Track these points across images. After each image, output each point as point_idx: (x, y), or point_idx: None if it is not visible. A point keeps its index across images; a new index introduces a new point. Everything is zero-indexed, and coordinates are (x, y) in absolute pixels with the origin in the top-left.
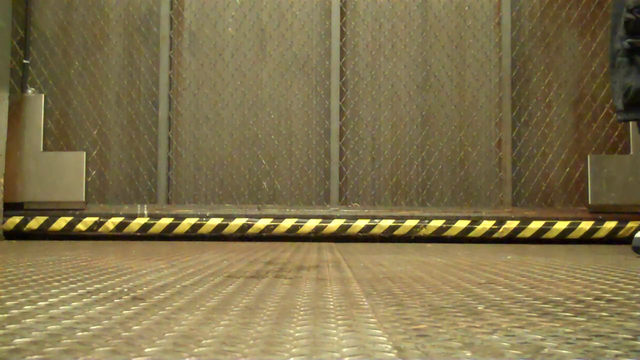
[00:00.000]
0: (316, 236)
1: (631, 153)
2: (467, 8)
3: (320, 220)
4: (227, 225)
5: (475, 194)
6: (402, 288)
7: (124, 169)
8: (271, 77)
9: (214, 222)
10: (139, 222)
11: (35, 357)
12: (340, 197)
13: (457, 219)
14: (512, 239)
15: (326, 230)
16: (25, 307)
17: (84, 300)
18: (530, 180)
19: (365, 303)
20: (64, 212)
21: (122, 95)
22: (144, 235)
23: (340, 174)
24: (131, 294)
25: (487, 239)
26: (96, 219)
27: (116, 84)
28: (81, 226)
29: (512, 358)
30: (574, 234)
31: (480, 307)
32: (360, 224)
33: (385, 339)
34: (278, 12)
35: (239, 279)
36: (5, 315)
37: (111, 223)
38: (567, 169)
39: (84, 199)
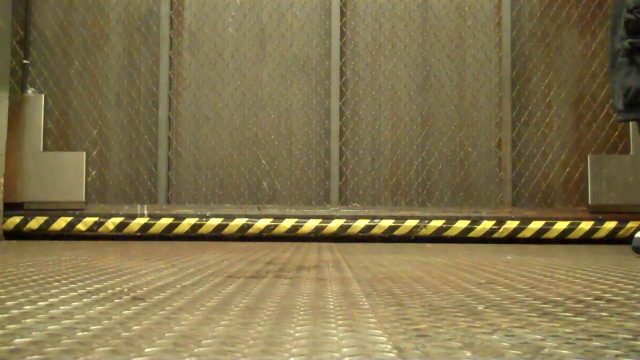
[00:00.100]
0: (316, 236)
1: (631, 153)
2: (467, 8)
3: (320, 220)
4: (227, 225)
5: (475, 194)
6: (402, 288)
7: (124, 169)
8: (271, 77)
9: (214, 222)
10: (139, 222)
11: (35, 357)
12: (340, 197)
13: (457, 219)
14: (512, 239)
15: (326, 230)
16: (25, 307)
17: (84, 300)
18: (530, 180)
19: (365, 303)
20: (64, 212)
21: (122, 95)
22: (144, 235)
23: (340, 174)
24: (131, 294)
25: (487, 239)
26: (96, 219)
27: (116, 84)
28: (81, 226)
29: (512, 358)
30: (574, 234)
31: (480, 307)
32: (360, 224)
33: (385, 339)
34: (278, 12)
35: (239, 279)
36: (5, 315)
37: (111, 223)
38: (567, 169)
39: (84, 199)
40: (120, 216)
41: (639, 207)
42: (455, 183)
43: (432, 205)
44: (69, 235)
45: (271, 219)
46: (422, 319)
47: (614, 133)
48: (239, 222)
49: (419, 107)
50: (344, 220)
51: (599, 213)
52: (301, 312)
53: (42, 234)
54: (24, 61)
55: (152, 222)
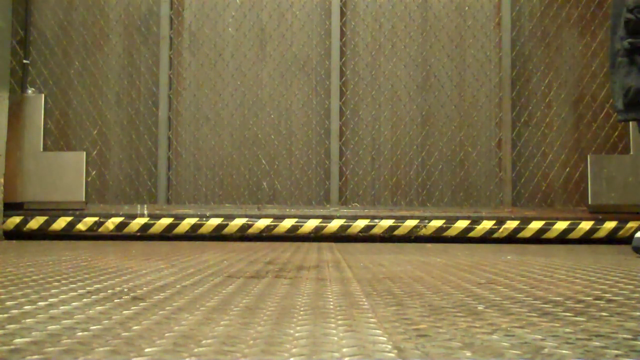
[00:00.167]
0: (316, 236)
1: (631, 153)
2: (467, 8)
3: (320, 220)
4: (227, 225)
5: (475, 194)
6: (402, 288)
7: (124, 169)
8: (271, 77)
9: (214, 222)
10: (139, 222)
11: (35, 357)
12: (340, 197)
13: (457, 219)
14: (512, 239)
15: (326, 230)
16: (25, 307)
17: (84, 300)
18: (530, 180)
19: (365, 303)
20: (64, 212)
21: (122, 95)
22: (144, 235)
23: (340, 174)
24: (131, 294)
25: (487, 239)
26: (96, 219)
27: (116, 84)
28: (81, 226)
29: (512, 358)
30: (574, 234)
31: (480, 307)
32: (360, 224)
33: (385, 339)
34: (278, 12)
35: (239, 279)
36: (5, 315)
37: (111, 223)
38: (567, 169)
39: (84, 199)
40: (120, 216)
41: (639, 207)
42: (455, 183)
43: (432, 205)
44: (69, 235)
45: (271, 219)
46: (422, 319)
47: (614, 133)
48: (239, 222)
49: (419, 107)
50: (344, 220)
51: (599, 213)
52: (301, 312)
53: (42, 234)
54: (24, 61)
55: (152, 222)
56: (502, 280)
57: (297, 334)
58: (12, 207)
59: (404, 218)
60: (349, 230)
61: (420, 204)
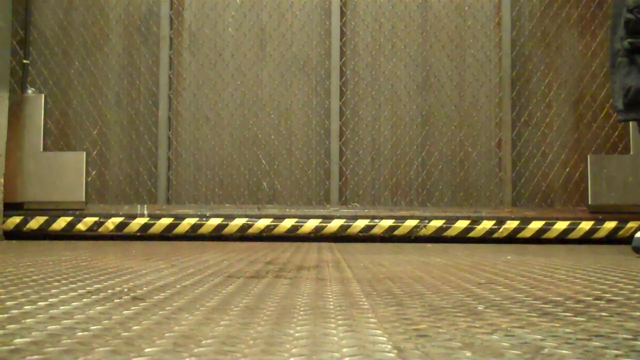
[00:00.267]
0: (316, 236)
1: (631, 153)
2: (467, 8)
3: (320, 220)
4: (227, 225)
5: (475, 194)
6: (402, 288)
7: (124, 169)
8: (271, 77)
9: (214, 222)
10: (139, 222)
11: (35, 357)
12: (340, 197)
13: (457, 219)
14: (512, 239)
15: (326, 230)
16: (25, 307)
17: (84, 300)
18: (530, 180)
19: (365, 303)
20: (64, 212)
21: (122, 95)
22: (144, 235)
23: (340, 174)
24: (131, 294)
25: (487, 239)
26: (96, 219)
27: (116, 84)
28: (81, 226)
29: (512, 358)
30: (574, 234)
31: (480, 307)
32: (360, 224)
33: (385, 339)
34: (278, 12)
35: (239, 279)
36: (5, 315)
37: (111, 223)
38: (567, 169)
39: (84, 199)
40: (120, 216)
41: (639, 207)
42: (455, 183)
43: (432, 205)
44: (69, 235)
45: (271, 219)
46: (422, 319)
47: (614, 133)
48: (239, 222)
49: (419, 107)
50: (344, 220)
51: (599, 213)
52: (301, 312)
53: (42, 234)
54: (24, 61)
55: (152, 222)
56: (502, 280)
57: (297, 334)
58: (12, 207)
59: (404, 218)
60: (349, 230)
61: (420, 204)
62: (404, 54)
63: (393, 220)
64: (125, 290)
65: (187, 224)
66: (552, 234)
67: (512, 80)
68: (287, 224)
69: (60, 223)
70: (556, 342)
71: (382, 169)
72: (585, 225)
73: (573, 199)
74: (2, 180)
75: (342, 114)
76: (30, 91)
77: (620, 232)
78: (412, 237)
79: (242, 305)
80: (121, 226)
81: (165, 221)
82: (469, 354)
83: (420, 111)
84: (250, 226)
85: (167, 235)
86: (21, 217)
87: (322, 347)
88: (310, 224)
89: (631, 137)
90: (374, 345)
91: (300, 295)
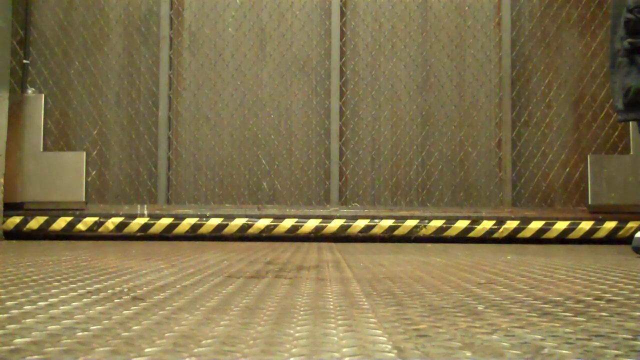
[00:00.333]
0: (316, 236)
1: (631, 153)
2: (467, 8)
3: (320, 220)
4: (227, 225)
5: (475, 194)
6: (402, 288)
7: (124, 169)
8: (271, 77)
9: (214, 222)
10: (139, 222)
11: (35, 357)
12: (340, 197)
13: (457, 219)
14: (512, 239)
15: (326, 230)
16: (25, 307)
17: (84, 300)
18: (530, 180)
19: (365, 303)
20: (64, 212)
21: (122, 95)
22: (144, 235)
23: (340, 174)
24: (131, 294)
25: (487, 239)
26: (96, 219)
27: (116, 84)
28: (81, 226)
29: (512, 358)
30: (574, 234)
31: (480, 307)
32: (360, 224)
33: (385, 339)
34: (278, 12)
35: (239, 279)
36: (5, 315)
37: (111, 223)
38: (567, 169)
39: (84, 199)
40: (120, 216)
41: (639, 207)
42: (455, 183)
43: (432, 205)
44: (69, 235)
45: (271, 219)
46: (422, 319)
47: (614, 133)
48: (239, 222)
49: (419, 107)
50: (344, 220)
51: (599, 213)
52: (301, 312)
53: (42, 234)
54: (24, 61)
55: (152, 222)
56: (502, 280)
57: (297, 334)
58: (12, 207)
59: (404, 218)
60: (349, 230)
61: (420, 204)
62: (404, 54)
63: (393, 220)
64: (125, 290)
65: (187, 224)
66: (552, 234)
67: (512, 80)
68: (287, 224)
69: (60, 223)
70: (556, 342)
71: (382, 169)
72: (585, 225)
73: (573, 199)
74: (2, 180)
75: (342, 114)
76: (30, 91)
77: (620, 232)
78: (412, 237)
79: (242, 305)
80: (121, 226)
81: (165, 221)
82: (469, 354)
83: (420, 111)
84: (250, 226)
85: (167, 235)
86: (21, 217)
87: (322, 347)
88: (310, 224)
89: (631, 137)
90: (374, 345)
91: (300, 295)
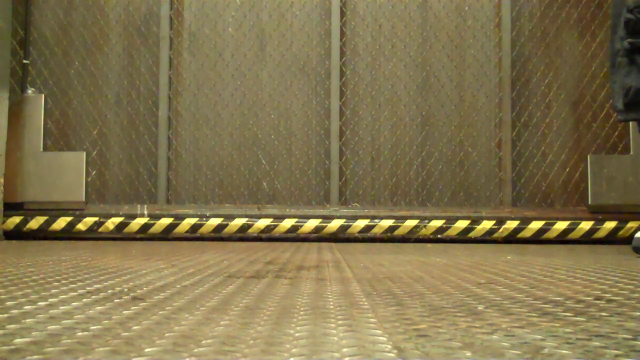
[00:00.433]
0: (316, 236)
1: (631, 153)
2: (467, 8)
3: (320, 220)
4: (227, 225)
5: (475, 194)
6: (402, 288)
7: (124, 169)
8: (271, 77)
9: (214, 222)
10: (139, 222)
11: (35, 357)
12: (340, 197)
13: (457, 219)
14: (512, 239)
15: (326, 231)
16: (25, 307)
17: (84, 300)
18: (530, 180)
19: (365, 303)
20: (64, 212)
21: (122, 95)
22: (144, 235)
23: (340, 174)
24: (131, 294)
25: (487, 239)
26: (96, 219)
27: (116, 84)
28: (81, 226)
29: (512, 358)
30: (574, 234)
31: (480, 307)
32: (360, 224)
33: (385, 339)
34: (278, 12)
35: (239, 279)
36: (5, 315)
37: (111, 223)
38: (567, 169)
39: (84, 199)
40: (120, 216)
41: (639, 207)
42: (455, 183)
43: (432, 205)
44: (69, 235)
45: (271, 219)
46: (422, 319)
47: (614, 133)
48: (239, 222)
49: (419, 108)
50: (344, 220)
51: (599, 213)
52: (301, 312)
53: (42, 234)
54: (24, 61)
55: (152, 222)
56: (502, 280)
57: (297, 334)
58: (12, 207)
59: (404, 218)
60: (349, 230)
61: (420, 204)
62: (404, 54)
63: (393, 220)
64: (125, 290)
65: (187, 224)
66: (552, 234)
67: (512, 81)
68: (287, 224)
69: (60, 223)
70: (556, 342)
71: (382, 169)
72: (585, 225)
73: (573, 199)
74: (2, 180)
75: (342, 114)
76: (30, 91)
77: (620, 232)
78: (412, 237)
79: (242, 305)
80: (121, 226)
81: (165, 221)
82: (469, 354)
83: (420, 111)
84: (250, 226)
85: (167, 235)
86: (21, 217)
87: (322, 347)
88: (310, 224)
89: (631, 137)
90: (374, 345)
91: (300, 295)
